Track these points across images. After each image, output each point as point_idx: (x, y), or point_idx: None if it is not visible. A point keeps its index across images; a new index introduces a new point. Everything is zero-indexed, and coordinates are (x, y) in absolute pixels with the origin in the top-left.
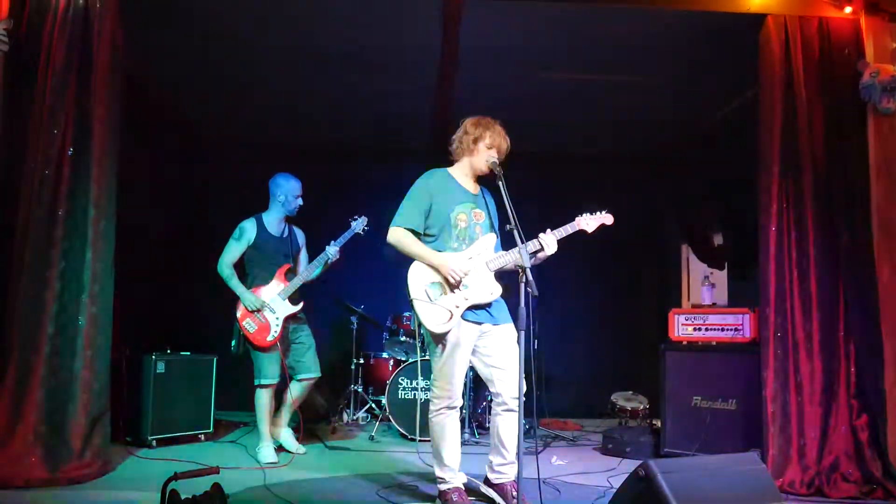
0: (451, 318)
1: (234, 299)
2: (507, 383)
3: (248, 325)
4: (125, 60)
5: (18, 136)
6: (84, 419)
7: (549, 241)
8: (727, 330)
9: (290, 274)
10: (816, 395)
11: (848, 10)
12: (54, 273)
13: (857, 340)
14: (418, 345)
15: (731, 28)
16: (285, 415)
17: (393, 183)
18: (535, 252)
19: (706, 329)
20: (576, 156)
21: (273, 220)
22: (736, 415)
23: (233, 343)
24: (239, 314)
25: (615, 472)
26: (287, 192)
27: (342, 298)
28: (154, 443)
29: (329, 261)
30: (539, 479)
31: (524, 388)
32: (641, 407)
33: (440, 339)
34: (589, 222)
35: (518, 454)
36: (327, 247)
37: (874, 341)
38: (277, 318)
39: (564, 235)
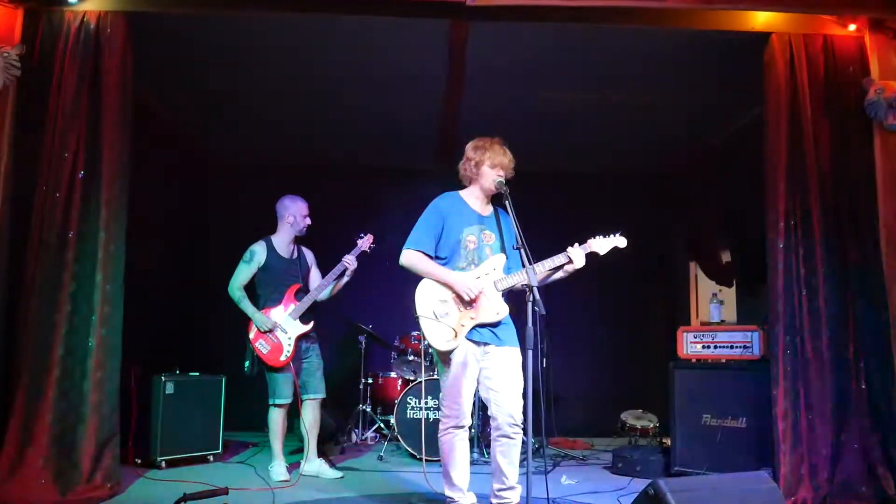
0: (455, 336)
1: (245, 320)
2: (503, 408)
3: (261, 345)
4: (134, 84)
5: (30, 158)
6: (94, 441)
7: (577, 255)
8: (736, 347)
9: (300, 293)
10: (827, 413)
11: (852, 27)
12: (65, 295)
13: (867, 358)
14: (424, 364)
15: (737, 47)
16: (312, 445)
17: (401, 202)
18: (563, 265)
19: (715, 347)
20: (584, 174)
21: (282, 243)
22: (746, 433)
23: (246, 364)
24: (251, 335)
25: (625, 492)
26: (295, 213)
27: (351, 318)
28: (163, 464)
29: (347, 269)
30: (548, 498)
31: (521, 416)
32: (651, 425)
33: (446, 357)
34: (601, 245)
35: (527, 473)
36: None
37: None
38: (289, 339)
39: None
